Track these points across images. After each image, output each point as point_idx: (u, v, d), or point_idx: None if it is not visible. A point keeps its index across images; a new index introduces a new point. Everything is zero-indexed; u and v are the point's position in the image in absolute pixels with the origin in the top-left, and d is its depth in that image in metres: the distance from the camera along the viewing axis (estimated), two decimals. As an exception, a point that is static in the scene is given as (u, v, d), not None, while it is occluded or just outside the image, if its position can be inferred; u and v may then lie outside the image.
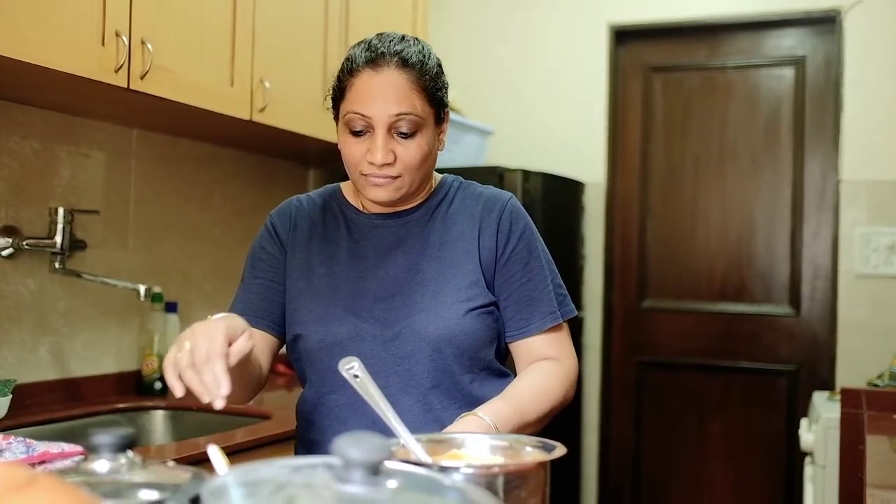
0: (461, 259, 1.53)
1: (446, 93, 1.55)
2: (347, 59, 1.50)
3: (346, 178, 1.59)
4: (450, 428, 1.37)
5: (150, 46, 2.07)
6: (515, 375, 1.58)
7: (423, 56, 1.50)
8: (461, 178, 1.67)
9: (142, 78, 2.06)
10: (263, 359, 1.54)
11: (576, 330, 3.75)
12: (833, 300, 3.59)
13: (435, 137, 1.52)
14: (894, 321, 3.45)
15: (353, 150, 1.48)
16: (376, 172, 1.47)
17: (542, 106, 3.99)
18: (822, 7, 3.63)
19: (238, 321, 1.27)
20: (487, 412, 1.40)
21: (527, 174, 3.27)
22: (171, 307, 2.68)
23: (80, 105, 2.32)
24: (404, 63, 1.46)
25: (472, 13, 4.05)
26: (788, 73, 3.74)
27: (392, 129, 1.45)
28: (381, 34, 1.52)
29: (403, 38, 1.51)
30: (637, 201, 3.95)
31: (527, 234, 1.58)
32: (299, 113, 2.63)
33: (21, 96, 2.22)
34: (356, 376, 1.17)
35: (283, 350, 1.61)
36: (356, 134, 1.47)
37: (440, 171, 1.67)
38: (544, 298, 1.57)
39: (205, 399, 1.19)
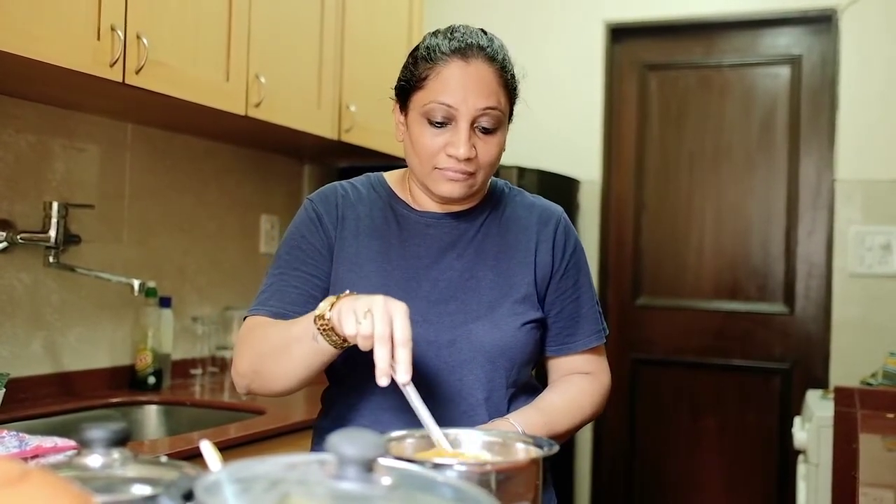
0: (517, 270, 1.50)
1: (517, 88, 1.51)
2: (427, 48, 1.44)
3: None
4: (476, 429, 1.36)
5: (145, 41, 2.06)
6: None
7: (505, 52, 1.47)
8: (509, 182, 1.64)
9: (137, 72, 2.06)
10: None
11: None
12: (827, 299, 3.60)
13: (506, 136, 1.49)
14: (888, 320, 3.46)
15: (431, 142, 1.41)
16: (454, 167, 1.41)
17: (537, 103, 3.94)
18: (818, 6, 3.63)
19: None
20: (519, 420, 1.39)
21: (522, 171, 3.27)
22: (165, 302, 2.67)
23: (74, 99, 2.32)
24: (492, 58, 1.43)
25: (468, 9, 4.05)
26: (784, 71, 3.75)
27: (474, 123, 1.41)
28: (457, 26, 1.48)
29: (484, 32, 1.48)
30: (632, 199, 3.96)
31: (578, 250, 1.57)
32: (295, 108, 2.63)
33: (16, 90, 2.22)
34: (405, 385, 1.15)
35: None
36: (435, 125, 1.41)
37: None
38: (590, 316, 1.56)
39: (383, 381, 1.13)
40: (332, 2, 2.80)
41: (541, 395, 1.52)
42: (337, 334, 1.23)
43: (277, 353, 1.35)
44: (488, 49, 1.43)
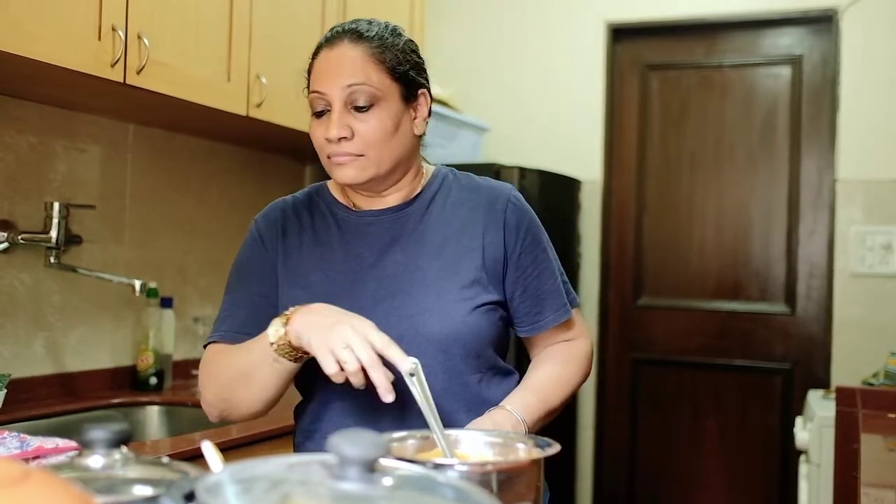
0: (464, 256, 1.49)
1: (419, 72, 1.50)
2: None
3: None
4: (478, 422, 1.36)
5: (146, 41, 2.06)
6: (524, 368, 1.57)
7: (385, 31, 1.46)
8: (455, 169, 1.62)
9: (138, 73, 2.06)
10: None
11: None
12: (828, 299, 3.60)
13: (404, 116, 1.46)
14: (889, 320, 3.46)
15: (316, 133, 1.45)
16: (336, 150, 1.42)
17: (538, 103, 3.99)
18: (818, 6, 3.63)
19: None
20: (515, 405, 1.40)
21: (523, 171, 3.26)
22: (166, 302, 2.67)
23: (76, 99, 2.32)
24: (359, 36, 1.44)
25: (470, 9, 4.05)
26: (785, 71, 3.74)
27: (349, 103, 1.41)
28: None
29: (371, 21, 1.49)
30: (633, 199, 3.95)
31: (533, 227, 1.55)
32: (296, 109, 2.63)
33: (17, 90, 2.22)
34: (412, 374, 1.15)
35: None
36: (318, 115, 1.44)
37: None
38: (555, 291, 1.55)
39: (388, 397, 1.19)
40: (333, 2, 2.80)
41: (528, 373, 1.53)
42: (294, 348, 1.28)
43: (242, 380, 1.39)
44: (355, 32, 1.44)
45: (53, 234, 2.30)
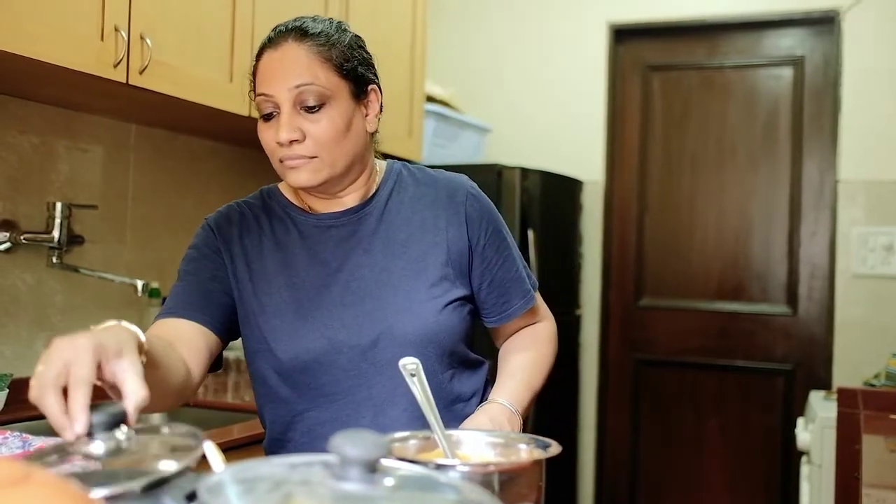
0: (429, 252, 1.46)
1: (368, 68, 1.45)
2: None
3: None
4: (473, 418, 1.38)
5: (149, 42, 2.06)
6: (493, 355, 1.60)
7: (330, 28, 1.41)
8: (407, 163, 1.58)
9: (141, 73, 2.06)
10: (195, 360, 1.35)
11: (573, 328, 3.76)
12: (830, 300, 3.60)
13: (355, 114, 1.41)
14: (891, 321, 3.46)
15: (265, 137, 1.40)
16: (288, 154, 1.36)
17: (540, 104, 3.99)
18: (820, 7, 3.63)
19: (123, 335, 1.02)
20: (506, 397, 1.42)
21: (525, 172, 3.27)
22: (168, 302, 2.67)
23: (78, 100, 2.32)
24: (303, 35, 1.39)
25: (472, 9, 4.05)
26: (787, 72, 3.74)
27: (297, 104, 1.36)
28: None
29: (315, 18, 1.44)
30: (635, 200, 3.95)
31: (493, 216, 1.54)
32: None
33: (19, 90, 2.22)
34: (413, 375, 1.14)
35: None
36: (266, 118, 1.39)
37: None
38: (518, 278, 1.55)
39: (64, 434, 0.88)
40: (335, 4, 2.80)
41: (503, 362, 1.55)
42: None
43: None
44: (300, 30, 1.40)
45: (56, 234, 2.30)
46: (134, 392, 0.94)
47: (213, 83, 2.33)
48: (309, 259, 1.46)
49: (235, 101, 2.40)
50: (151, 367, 1.11)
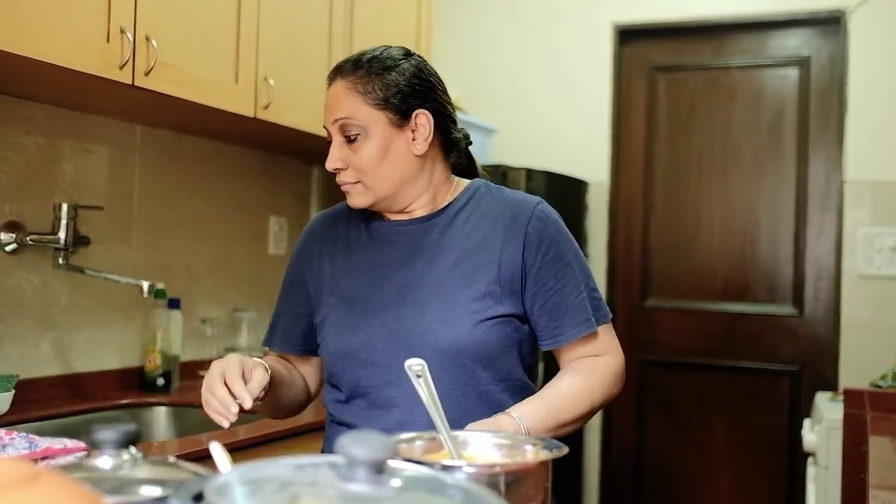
0: (480, 268, 1.51)
1: (415, 95, 1.51)
2: None
3: None
4: (476, 425, 1.37)
5: (154, 43, 2.07)
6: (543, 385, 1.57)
7: (373, 62, 1.50)
8: (490, 182, 1.65)
9: (146, 74, 2.06)
10: (312, 379, 1.72)
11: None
12: (836, 301, 3.59)
13: (395, 140, 1.50)
14: (897, 322, 3.45)
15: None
16: (339, 180, 1.53)
17: (545, 104, 3.99)
18: (826, 7, 3.62)
19: (253, 360, 1.46)
20: (522, 412, 1.41)
21: (530, 173, 3.27)
22: (174, 303, 2.68)
23: (84, 101, 2.33)
24: (347, 71, 1.51)
25: (477, 10, 4.05)
26: (793, 73, 3.74)
27: (342, 135, 1.50)
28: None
29: (366, 52, 1.54)
30: (640, 201, 3.95)
31: (557, 240, 1.55)
32: (303, 110, 2.63)
33: (25, 91, 2.22)
34: (419, 376, 1.15)
35: None
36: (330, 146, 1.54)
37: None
38: (578, 305, 1.54)
39: (223, 422, 1.38)
40: (340, 4, 2.80)
41: (549, 383, 1.53)
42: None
43: None
44: (348, 65, 1.52)
45: (61, 235, 2.30)
46: (250, 392, 1.38)
47: (219, 84, 2.33)
48: (372, 261, 1.58)
49: (240, 103, 2.41)
50: (277, 385, 1.52)
